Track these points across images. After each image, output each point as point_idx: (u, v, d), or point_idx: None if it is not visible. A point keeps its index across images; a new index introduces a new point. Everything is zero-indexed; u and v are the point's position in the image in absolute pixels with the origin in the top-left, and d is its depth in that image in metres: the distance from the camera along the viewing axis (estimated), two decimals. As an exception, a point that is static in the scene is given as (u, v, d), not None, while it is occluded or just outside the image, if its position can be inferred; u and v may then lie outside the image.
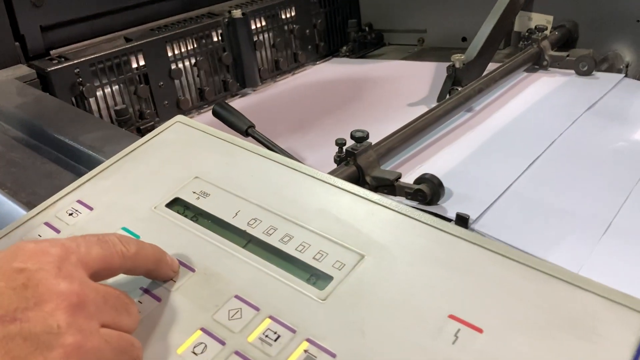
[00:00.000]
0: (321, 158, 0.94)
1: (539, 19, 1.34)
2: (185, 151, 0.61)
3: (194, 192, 0.55)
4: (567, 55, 1.14)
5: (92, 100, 1.05)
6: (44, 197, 0.71)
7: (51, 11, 1.03)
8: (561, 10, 1.32)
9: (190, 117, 1.23)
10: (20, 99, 0.89)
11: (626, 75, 1.20)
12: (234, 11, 1.26)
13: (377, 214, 0.50)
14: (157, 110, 1.16)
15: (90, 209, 0.55)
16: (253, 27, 1.31)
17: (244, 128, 0.77)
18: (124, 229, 0.52)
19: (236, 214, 0.52)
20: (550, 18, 1.32)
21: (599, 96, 1.01)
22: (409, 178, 0.77)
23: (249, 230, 0.50)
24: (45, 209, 0.56)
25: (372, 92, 1.27)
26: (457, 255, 0.45)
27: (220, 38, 1.26)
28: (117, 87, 1.09)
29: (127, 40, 1.14)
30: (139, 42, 1.11)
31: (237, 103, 1.30)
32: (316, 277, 0.46)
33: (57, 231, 0.53)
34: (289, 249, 0.48)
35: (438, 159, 0.86)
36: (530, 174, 0.80)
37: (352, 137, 0.75)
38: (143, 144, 0.63)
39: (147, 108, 1.15)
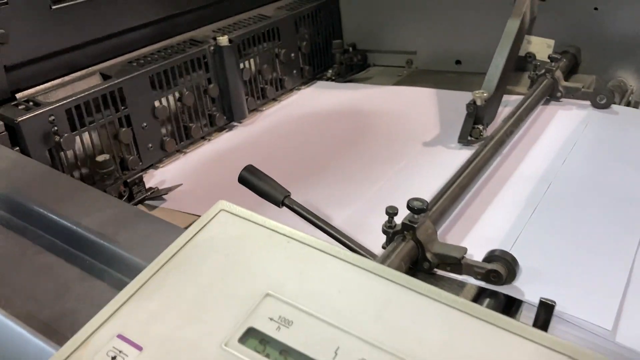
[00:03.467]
0: (349, 218, 0.83)
1: (539, 43, 1.29)
2: (243, 253, 0.49)
3: (271, 319, 0.44)
4: (582, 87, 1.08)
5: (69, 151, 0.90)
6: (47, 304, 0.57)
7: (18, 48, 0.87)
8: (560, 34, 1.27)
9: (176, 160, 1.10)
10: (-8, 164, 0.73)
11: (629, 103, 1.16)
12: (220, 38, 1.13)
13: (520, 350, 0.41)
14: (140, 155, 1.02)
15: (139, 348, 0.43)
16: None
17: (280, 198, 0.66)
18: (193, 381, 0.40)
19: (336, 353, 0.41)
20: (551, 42, 1.27)
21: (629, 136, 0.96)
22: (463, 245, 0.68)
23: (361, 378, 0.40)
24: (76, 349, 0.43)
25: (373, 124, 1.17)
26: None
27: (205, 68, 1.13)
28: (95, 132, 0.94)
29: (105, 77, 0.99)
30: (119, 80, 0.96)
31: (226, 139, 1.17)
32: None
33: (101, 387, 0.40)
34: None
35: (486, 220, 0.77)
36: (596, 234, 0.72)
37: (410, 207, 0.65)
38: (186, 243, 0.51)
39: (129, 153, 1.00)
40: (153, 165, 1.06)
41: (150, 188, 0.98)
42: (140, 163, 1.02)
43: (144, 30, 1.08)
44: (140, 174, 0.96)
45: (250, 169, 0.69)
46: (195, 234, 0.52)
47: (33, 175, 0.72)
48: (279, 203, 0.67)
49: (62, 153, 0.89)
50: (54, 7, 0.90)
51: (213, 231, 0.52)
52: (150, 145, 1.04)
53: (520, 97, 1.18)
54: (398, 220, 0.68)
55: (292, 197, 0.68)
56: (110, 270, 0.60)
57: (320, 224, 0.64)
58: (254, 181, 0.68)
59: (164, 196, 0.95)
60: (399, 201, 0.82)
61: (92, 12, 0.96)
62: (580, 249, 0.70)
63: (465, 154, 0.99)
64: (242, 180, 0.69)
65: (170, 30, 1.13)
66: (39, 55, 0.91)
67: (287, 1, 1.40)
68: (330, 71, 1.44)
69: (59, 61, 0.95)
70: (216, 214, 0.54)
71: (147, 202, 0.96)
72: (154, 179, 1.04)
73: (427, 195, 0.86)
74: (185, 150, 1.12)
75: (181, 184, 0.97)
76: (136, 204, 0.94)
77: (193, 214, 0.90)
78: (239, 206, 0.56)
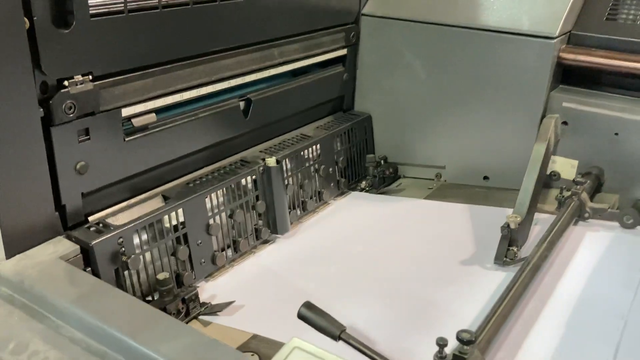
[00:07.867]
0: (395, 341, 0.88)
1: (563, 163, 1.37)
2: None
3: None
4: (609, 208, 1.15)
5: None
6: None
7: (94, 177, 0.96)
8: (584, 155, 1.35)
9: (225, 273, 1.16)
10: (74, 290, 0.80)
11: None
12: (269, 159, 1.22)
13: None
14: (194, 270, 1.09)
15: None
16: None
17: (336, 333, 0.73)
18: None
19: None
20: (575, 163, 1.35)
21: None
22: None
23: None
24: None
25: (407, 239, 1.24)
26: None
27: (254, 186, 1.22)
28: (156, 250, 1.02)
29: (166, 198, 1.08)
30: (180, 202, 1.05)
31: (270, 252, 1.24)
32: None
33: None
34: None
35: (530, 345, 0.82)
36: None
37: (460, 339, 0.70)
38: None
39: (184, 269, 1.07)
40: (204, 279, 1.13)
41: (204, 303, 1.04)
42: (194, 278, 1.09)
43: (200, 154, 1.18)
44: (196, 290, 1.02)
45: (309, 305, 0.76)
46: (277, 374, 0.57)
47: (114, 302, 0.78)
48: (336, 337, 0.73)
49: (127, 272, 0.96)
50: (127, 139, 1.01)
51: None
52: (202, 260, 1.11)
53: (548, 215, 1.25)
54: (448, 349, 0.73)
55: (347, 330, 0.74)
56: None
57: (376, 357, 0.70)
58: (312, 317, 0.75)
59: (217, 312, 1.01)
60: (444, 324, 0.87)
61: (158, 142, 1.06)
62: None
63: (502, 274, 1.05)
64: (301, 317, 0.76)
65: (223, 152, 1.24)
66: (111, 181, 1.00)
67: (325, 121, 1.51)
68: (364, 182, 1.53)
69: (127, 186, 1.04)
70: (290, 352, 0.60)
71: (201, 317, 1.01)
72: (205, 292, 1.10)
73: (470, 317, 0.92)
74: (233, 263, 1.19)
75: (234, 301, 1.03)
76: (191, 320, 1.00)
77: (245, 332, 0.95)
78: (308, 343, 0.62)
